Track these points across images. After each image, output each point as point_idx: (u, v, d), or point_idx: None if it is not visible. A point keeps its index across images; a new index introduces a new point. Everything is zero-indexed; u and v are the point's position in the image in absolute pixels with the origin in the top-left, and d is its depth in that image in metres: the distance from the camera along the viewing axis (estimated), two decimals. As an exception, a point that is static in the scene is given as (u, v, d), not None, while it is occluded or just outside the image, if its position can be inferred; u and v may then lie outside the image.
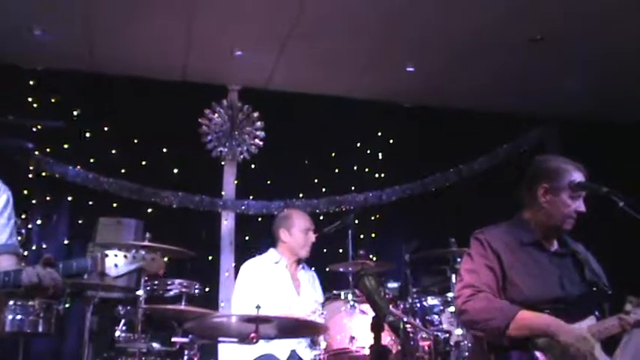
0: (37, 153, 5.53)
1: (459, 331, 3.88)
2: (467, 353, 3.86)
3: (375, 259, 5.33)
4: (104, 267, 2.19)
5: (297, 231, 4.38)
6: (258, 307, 3.20)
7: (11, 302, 4.18)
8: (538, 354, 2.50)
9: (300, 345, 4.10)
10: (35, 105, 5.74)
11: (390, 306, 3.87)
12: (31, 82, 5.76)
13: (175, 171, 5.99)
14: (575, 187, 2.78)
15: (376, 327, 1.90)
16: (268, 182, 6.18)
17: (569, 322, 2.56)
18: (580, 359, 2.46)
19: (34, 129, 5.54)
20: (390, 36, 5.40)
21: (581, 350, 2.45)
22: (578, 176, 2.80)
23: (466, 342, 3.87)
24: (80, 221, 5.65)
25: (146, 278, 4.12)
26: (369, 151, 6.50)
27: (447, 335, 3.90)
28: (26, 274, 2.14)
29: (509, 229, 2.85)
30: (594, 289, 2.73)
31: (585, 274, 2.78)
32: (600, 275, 2.83)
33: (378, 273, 4.63)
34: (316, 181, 6.28)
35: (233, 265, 5.83)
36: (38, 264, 2.17)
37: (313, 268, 4.67)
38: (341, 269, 4.58)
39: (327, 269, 4.72)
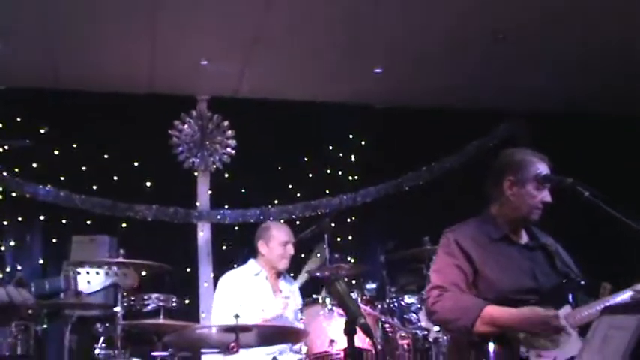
0: (5, 174, 5.47)
1: (436, 328, 3.92)
2: (445, 350, 3.90)
3: (352, 261, 5.37)
4: (77, 285, 2.19)
5: (275, 244, 4.38)
6: (236, 316, 3.21)
7: (-13, 326, 4.13)
8: (522, 348, 2.53)
9: (282, 355, 4.11)
10: (0, 125, 5.68)
11: (369, 307, 3.94)
12: (-4, 102, 5.71)
13: (148, 184, 5.96)
14: (541, 180, 2.82)
15: (349, 330, 1.93)
16: (243, 191, 6.18)
17: None
18: (552, 334, 2.55)
19: (1, 149, 5.49)
20: (356, 38, 5.43)
21: (547, 327, 2.53)
22: (542, 167, 2.83)
23: (445, 338, 3.91)
24: (54, 240, 5.61)
25: (124, 294, 4.10)
26: (341, 154, 6.52)
27: (426, 332, 3.94)
28: None
29: (478, 225, 2.88)
30: (566, 279, 2.77)
31: (556, 265, 2.82)
32: (571, 266, 2.87)
33: (355, 275, 4.70)
34: (290, 187, 6.29)
35: (212, 275, 5.82)
36: (10, 284, 2.16)
37: (296, 281, 4.68)
38: (318, 274, 4.60)
39: (306, 274, 4.74)
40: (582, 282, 2.79)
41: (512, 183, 2.84)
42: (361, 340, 2.10)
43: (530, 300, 2.63)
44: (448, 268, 2.73)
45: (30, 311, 2.18)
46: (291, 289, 4.48)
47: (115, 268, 2.25)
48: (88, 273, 2.21)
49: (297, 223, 6.02)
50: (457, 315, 2.58)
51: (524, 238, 2.89)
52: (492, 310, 2.56)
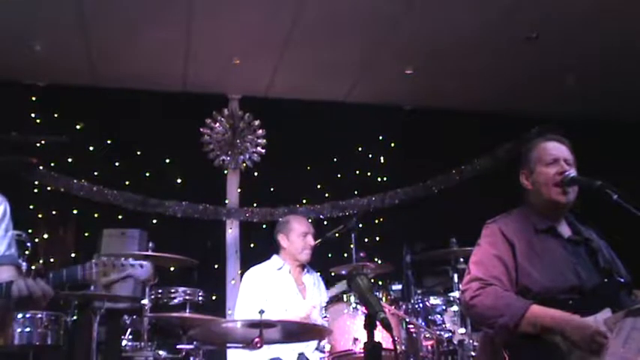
0: (41, 168, 5.61)
1: (462, 330, 3.89)
2: (472, 353, 3.86)
3: (378, 261, 5.35)
4: (92, 275, 2.24)
5: (294, 236, 4.41)
6: (261, 311, 3.23)
7: (20, 315, 4.23)
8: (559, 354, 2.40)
9: (308, 348, 4.14)
10: (38, 121, 5.83)
11: (393, 307, 3.92)
12: (34, 98, 5.85)
13: (179, 181, 6.05)
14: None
15: (369, 325, 1.93)
16: (272, 189, 6.23)
17: (586, 314, 2.45)
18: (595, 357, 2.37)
19: (38, 144, 5.63)
20: (386, 40, 5.44)
21: (591, 349, 2.35)
22: (548, 146, 2.79)
23: (470, 341, 3.88)
24: (86, 234, 5.71)
25: (152, 284, 4.15)
26: (370, 155, 6.52)
27: (450, 334, 3.91)
28: (16, 286, 2.18)
29: (524, 215, 2.79)
30: (607, 279, 2.63)
31: (599, 262, 2.70)
32: (614, 263, 2.76)
33: (381, 275, 4.69)
34: (319, 186, 6.32)
35: (239, 272, 5.87)
36: (30, 276, 2.22)
37: (319, 273, 4.70)
38: (343, 272, 4.60)
39: (332, 273, 4.75)
40: (623, 280, 2.65)
41: (526, 175, 2.81)
42: (384, 340, 2.08)
43: (572, 299, 2.51)
44: (489, 260, 2.60)
45: (47, 301, 2.21)
46: (315, 282, 4.50)
47: (130, 260, 2.29)
48: (105, 265, 2.25)
49: (325, 222, 6.06)
50: (500, 312, 2.45)
51: (567, 232, 2.78)
52: (538, 311, 2.44)
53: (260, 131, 6.29)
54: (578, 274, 2.61)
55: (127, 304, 4.64)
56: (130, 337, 4.16)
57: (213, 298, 5.59)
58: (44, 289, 2.19)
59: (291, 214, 5.95)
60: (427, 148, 6.41)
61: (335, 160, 6.43)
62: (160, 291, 4.21)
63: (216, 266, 5.92)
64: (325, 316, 3.84)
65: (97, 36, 5.26)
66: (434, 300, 4.13)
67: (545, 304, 2.48)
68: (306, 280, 4.48)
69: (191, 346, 3.79)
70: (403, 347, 3.79)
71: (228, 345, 3.79)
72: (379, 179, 6.47)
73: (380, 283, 5.06)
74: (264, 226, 6.06)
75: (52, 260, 5.58)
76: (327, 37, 5.38)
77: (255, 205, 6.13)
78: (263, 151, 6.27)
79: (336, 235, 4.84)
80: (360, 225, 5.37)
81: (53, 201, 5.73)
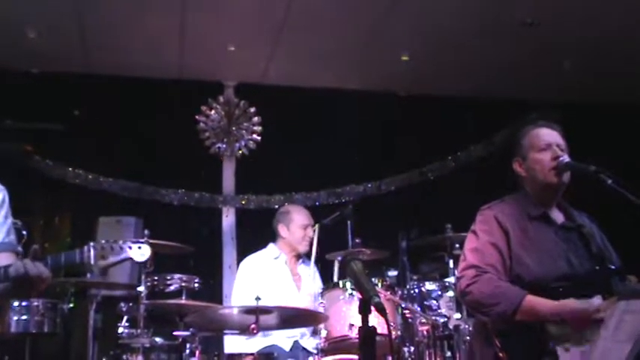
0: (36, 156, 5.58)
1: (457, 316, 3.91)
2: (468, 337, 3.88)
3: (375, 248, 5.35)
4: (90, 259, 2.23)
5: (295, 227, 4.43)
6: (257, 298, 3.25)
7: (16, 303, 4.24)
8: (551, 344, 2.42)
9: (305, 337, 4.17)
10: (33, 108, 5.79)
11: (389, 293, 3.94)
12: (28, 86, 5.81)
13: (174, 169, 6.03)
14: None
15: (363, 309, 1.94)
16: (267, 176, 6.22)
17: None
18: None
19: (33, 132, 5.61)
20: (382, 25, 5.42)
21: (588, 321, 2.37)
22: (540, 132, 2.81)
23: (466, 326, 3.89)
24: (82, 222, 5.70)
25: (149, 270, 4.15)
26: (366, 142, 6.51)
27: (446, 319, 3.93)
28: (14, 266, 2.18)
29: (517, 202, 2.80)
30: (598, 266, 2.66)
31: (592, 248, 2.72)
32: (606, 249, 2.78)
33: (377, 261, 4.69)
34: (315, 173, 6.31)
35: (235, 259, 5.88)
36: (27, 258, 2.22)
37: (313, 260, 4.70)
38: (339, 258, 4.61)
39: (328, 259, 4.76)
40: (615, 268, 2.66)
41: (519, 162, 2.82)
42: (379, 326, 2.09)
43: (564, 286, 2.52)
44: (485, 248, 2.62)
45: (45, 285, 2.20)
46: (310, 273, 4.51)
47: (128, 242, 2.29)
48: (103, 248, 2.26)
49: (321, 210, 6.05)
50: (496, 300, 2.47)
51: (560, 218, 2.80)
52: (533, 301, 2.46)
53: (256, 118, 6.27)
54: (570, 261, 2.64)
55: (123, 292, 4.64)
56: (127, 324, 4.16)
57: (210, 284, 5.60)
58: (41, 270, 2.19)
59: (287, 201, 5.97)
60: (423, 135, 6.39)
61: (331, 146, 6.41)
62: (156, 278, 4.21)
63: (212, 253, 5.92)
64: (321, 303, 3.86)
65: (91, 23, 5.23)
66: (429, 286, 4.13)
67: (536, 292, 2.50)
68: (301, 270, 4.50)
69: (187, 333, 3.79)
70: (399, 332, 3.82)
71: (225, 331, 3.81)
72: (375, 166, 6.46)
73: (376, 270, 5.07)
74: (260, 213, 6.06)
75: (47, 248, 5.58)
76: (322, 23, 5.36)
77: (251, 192, 6.12)
78: (259, 138, 6.25)
79: (332, 222, 4.85)
80: (356, 211, 5.38)
81: (48, 189, 5.71)
